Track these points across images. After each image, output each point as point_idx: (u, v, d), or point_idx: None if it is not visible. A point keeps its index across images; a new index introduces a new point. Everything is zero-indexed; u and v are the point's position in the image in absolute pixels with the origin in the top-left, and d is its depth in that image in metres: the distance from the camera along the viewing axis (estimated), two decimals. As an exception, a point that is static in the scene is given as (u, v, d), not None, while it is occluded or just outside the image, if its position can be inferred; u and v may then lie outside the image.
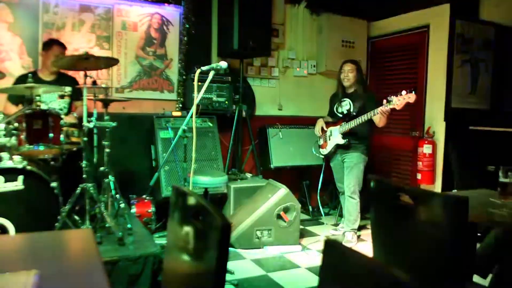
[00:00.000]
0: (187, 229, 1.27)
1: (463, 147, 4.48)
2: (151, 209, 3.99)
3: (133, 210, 3.92)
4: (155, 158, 4.35)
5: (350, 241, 4.21)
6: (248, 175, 4.86)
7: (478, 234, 2.49)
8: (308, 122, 5.24)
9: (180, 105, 4.77)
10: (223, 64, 3.12)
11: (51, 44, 3.84)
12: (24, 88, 3.07)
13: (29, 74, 3.21)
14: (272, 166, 4.98)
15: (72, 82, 3.93)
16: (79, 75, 3.96)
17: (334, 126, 4.34)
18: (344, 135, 4.20)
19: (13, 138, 3.05)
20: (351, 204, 4.22)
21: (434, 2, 4.81)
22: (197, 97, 3.12)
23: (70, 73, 3.94)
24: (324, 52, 5.51)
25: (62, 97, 3.85)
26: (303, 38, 5.57)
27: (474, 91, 4.85)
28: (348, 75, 4.26)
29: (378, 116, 3.89)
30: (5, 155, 3.04)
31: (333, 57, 5.45)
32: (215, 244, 1.10)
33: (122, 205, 3.38)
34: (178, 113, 4.53)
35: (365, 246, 4.09)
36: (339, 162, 4.37)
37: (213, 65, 3.11)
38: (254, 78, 5.29)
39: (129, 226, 3.29)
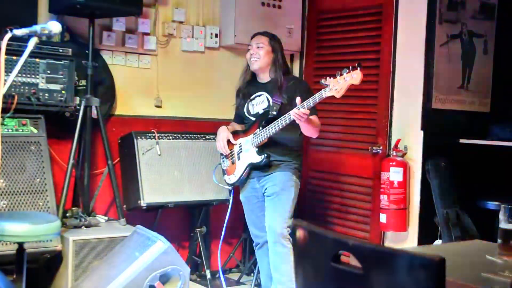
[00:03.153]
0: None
1: (452, 172, 4.59)
2: None
3: None
4: None
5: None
6: (101, 218, 4.80)
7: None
8: (205, 128, 5.29)
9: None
10: (54, 26, 3.00)
11: None
12: None
13: None
14: (142, 203, 4.87)
15: None
16: None
17: (245, 137, 4.42)
18: (260, 148, 4.27)
19: None
20: (279, 255, 4.25)
21: None
22: (6, 82, 2.92)
23: None
24: (233, 14, 5.51)
25: None
26: (198, -11, 5.60)
27: (466, 84, 5.01)
28: (258, 53, 4.38)
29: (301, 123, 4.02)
30: None
31: (248, 22, 5.45)
32: None
33: None
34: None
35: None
36: (255, 191, 4.47)
37: (37, 26, 2.98)
38: (113, 52, 5.21)
39: None
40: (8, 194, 4.18)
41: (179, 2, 5.46)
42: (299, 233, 1.88)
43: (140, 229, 4.22)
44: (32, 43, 2.97)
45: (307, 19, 5.86)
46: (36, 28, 2.97)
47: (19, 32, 2.96)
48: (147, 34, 5.32)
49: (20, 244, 3.49)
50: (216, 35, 5.63)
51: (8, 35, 2.92)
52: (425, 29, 4.79)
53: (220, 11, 5.65)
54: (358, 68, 3.72)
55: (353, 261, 1.73)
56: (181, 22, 5.47)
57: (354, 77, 3.71)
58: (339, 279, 1.78)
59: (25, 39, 2.99)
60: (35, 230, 3.47)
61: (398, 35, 5.00)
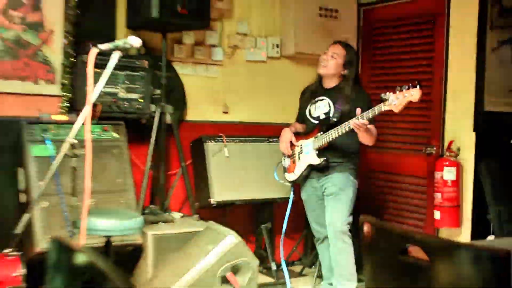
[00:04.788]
0: None
1: (504, 171, 4.57)
2: (20, 270, 3.87)
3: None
4: (25, 189, 4.24)
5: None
6: (176, 215, 4.86)
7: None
8: (268, 132, 5.28)
9: (66, 104, 4.66)
10: (135, 41, 3.13)
11: None
12: None
13: None
14: (212, 201, 4.96)
15: None
16: None
17: (306, 139, 4.43)
18: (320, 151, 4.29)
19: None
20: (340, 250, 4.28)
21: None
22: (94, 92, 3.09)
23: None
24: (293, 25, 5.56)
25: None
26: (260, 3, 5.62)
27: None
28: (328, 61, 4.40)
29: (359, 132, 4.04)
30: None
31: (307, 33, 5.52)
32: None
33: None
34: (63, 117, 4.45)
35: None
36: (315, 190, 4.48)
37: (119, 42, 3.12)
38: (184, 63, 5.28)
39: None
40: (94, 193, 4.02)
41: (242, 16, 5.51)
42: (366, 227, 1.90)
43: (213, 225, 4.30)
44: (116, 56, 3.10)
45: (362, 29, 5.89)
46: (119, 43, 3.10)
47: (104, 46, 3.10)
48: (214, 46, 5.38)
49: (108, 238, 3.61)
50: (277, 46, 5.65)
51: (95, 50, 3.05)
52: (477, 35, 4.79)
53: (281, 23, 5.66)
54: (418, 86, 3.69)
55: (419, 254, 1.75)
56: (245, 34, 5.51)
57: (413, 94, 3.69)
58: (406, 271, 1.80)
59: (108, 53, 3.11)
60: (121, 225, 3.56)
61: (450, 40, 5.02)
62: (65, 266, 1.33)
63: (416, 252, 1.75)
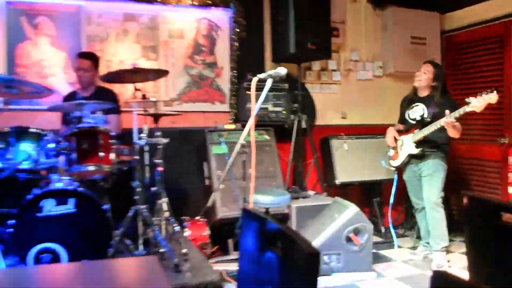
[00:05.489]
0: (266, 258, 1.26)
1: None
2: (206, 231, 4.05)
3: (187, 233, 3.98)
4: (208, 176, 4.42)
5: (441, 264, 4.13)
6: (311, 192, 4.85)
7: None
8: (376, 131, 5.18)
9: (233, 117, 4.83)
10: (282, 70, 3.08)
11: (76, 57, 4.07)
12: (74, 105, 3.21)
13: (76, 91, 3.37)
14: (337, 182, 4.94)
15: (111, 95, 4.11)
16: (124, 87, 4.09)
17: (406, 135, 4.35)
18: (418, 144, 4.22)
19: (62, 157, 3.20)
20: (435, 218, 4.16)
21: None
22: (255, 108, 3.11)
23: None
24: (391, 51, 5.46)
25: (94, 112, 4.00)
26: (366, 37, 5.53)
27: None
28: (421, 76, 4.29)
29: (448, 128, 3.92)
30: (55, 176, 3.19)
31: (402, 56, 5.40)
32: (302, 275, 1.08)
33: (177, 229, 3.45)
34: (232, 126, 4.60)
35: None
36: (414, 173, 4.36)
37: (271, 72, 3.10)
38: (313, 84, 5.30)
39: (184, 251, 3.34)
40: (256, 178, 4.26)
41: (354, 47, 5.44)
42: (466, 200, 1.82)
43: (338, 199, 4.29)
44: (269, 82, 3.05)
45: (445, 50, 5.64)
46: (271, 72, 3.03)
47: (262, 75, 3.06)
48: (334, 70, 5.35)
49: (267, 209, 3.66)
50: (380, 67, 5.55)
51: (256, 78, 3.01)
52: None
53: (383, 50, 5.55)
54: (495, 91, 3.60)
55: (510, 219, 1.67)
56: (356, 60, 5.44)
57: (491, 97, 3.60)
58: (502, 236, 1.72)
59: (263, 80, 3.05)
60: (275, 200, 3.66)
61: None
62: (255, 231, 1.35)
63: (509, 218, 1.67)
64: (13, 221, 3.02)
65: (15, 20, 4.16)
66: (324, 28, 4.74)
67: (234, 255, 4.22)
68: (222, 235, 4.30)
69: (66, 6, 4.31)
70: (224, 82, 4.86)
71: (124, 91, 4.42)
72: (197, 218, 4.17)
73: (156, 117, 3.51)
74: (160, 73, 3.48)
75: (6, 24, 4.14)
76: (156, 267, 1.52)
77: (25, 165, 3.17)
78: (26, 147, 3.20)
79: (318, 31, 4.64)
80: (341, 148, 5.06)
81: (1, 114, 3.23)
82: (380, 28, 5.57)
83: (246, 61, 4.91)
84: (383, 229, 5.05)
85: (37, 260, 3.02)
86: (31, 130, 3.23)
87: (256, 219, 1.34)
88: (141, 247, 3.27)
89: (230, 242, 4.27)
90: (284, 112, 4.80)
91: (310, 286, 1.07)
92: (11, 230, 3.01)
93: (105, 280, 1.46)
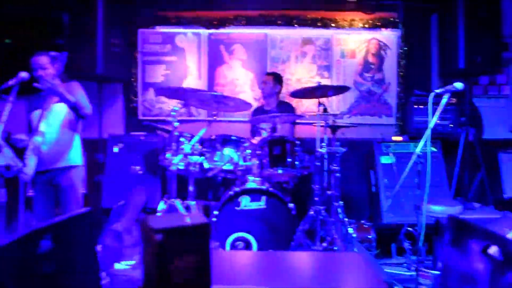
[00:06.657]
0: (477, 265, 1.45)
1: None
2: (371, 235, 4.24)
3: (354, 235, 4.24)
4: (375, 184, 4.64)
5: None
6: (476, 204, 4.71)
7: None
8: None
9: (398, 130, 4.99)
10: (459, 85, 3.13)
11: (264, 75, 4.69)
12: (267, 118, 3.74)
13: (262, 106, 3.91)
14: (505, 196, 4.80)
15: (290, 108, 4.64)
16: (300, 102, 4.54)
17: None
18: None
19: (256, 161, 3.73)
20: None
21: None
22: (432, 121, 3.17)
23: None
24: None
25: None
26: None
27: None
28: None
29: None
30: (250, 177, 3.73)
31: None
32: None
33: (350, 230, 3.76)
34: (399, 138, 4.76)
35: None
36: None
37: (449, 86, 3.16)
38: (480, 98, 5.20)
39: (355, 250, 3.63)
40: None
41: None
42: None
43: (508, 214, 4.04)
44: (447, 97, 3.05)
45: None
46: (449, 87, 3.04)
47: (439, 91, 3.06)
48: (503, 84, 5.19)
49: (437, 219, 3.59)
50: None
51: (433, 94, 3.05)
52: None
53: None
54: None
55: None
56: None
57: None
58: None
59: (439, 95, 3.10)
60: (447, 210, 3.53)
61: None
62: (465, 239, 1.46)
63: None
64: (216, 212, 3.60)
65: (215, 48, 4.93)
66: (494, 43, 4.64)
67: (397, 259, 4.35)
68: (386, 239, 4.46)
69: (256, 34, 4.97)
70: (391, 97, 5.06)
71: (300, 105, 4.90)
72: (362, 222, 4.38)
73: (334, 128, 3.88)
74: (340, 89, 3.85)
75: (208, 52, 4.93)
76: (361, 263, 1.78)
77: (227, 167, 3.76)
78: (229, 151, 3.79)
79: (488, 46, 4.56)
80: (510, 162, 4.92)
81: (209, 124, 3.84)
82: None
83: (413, 77, 5.04)
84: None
85: (233, 246, 3.56)
86: (233, 138, 3.82)
87: (466, 229, 1.49)
88: (318, 243, 3.65)
89: (394, 247, 4.41)
90: (451, 125, 4.81)
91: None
92: (215, 219, 3.59)
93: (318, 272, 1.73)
